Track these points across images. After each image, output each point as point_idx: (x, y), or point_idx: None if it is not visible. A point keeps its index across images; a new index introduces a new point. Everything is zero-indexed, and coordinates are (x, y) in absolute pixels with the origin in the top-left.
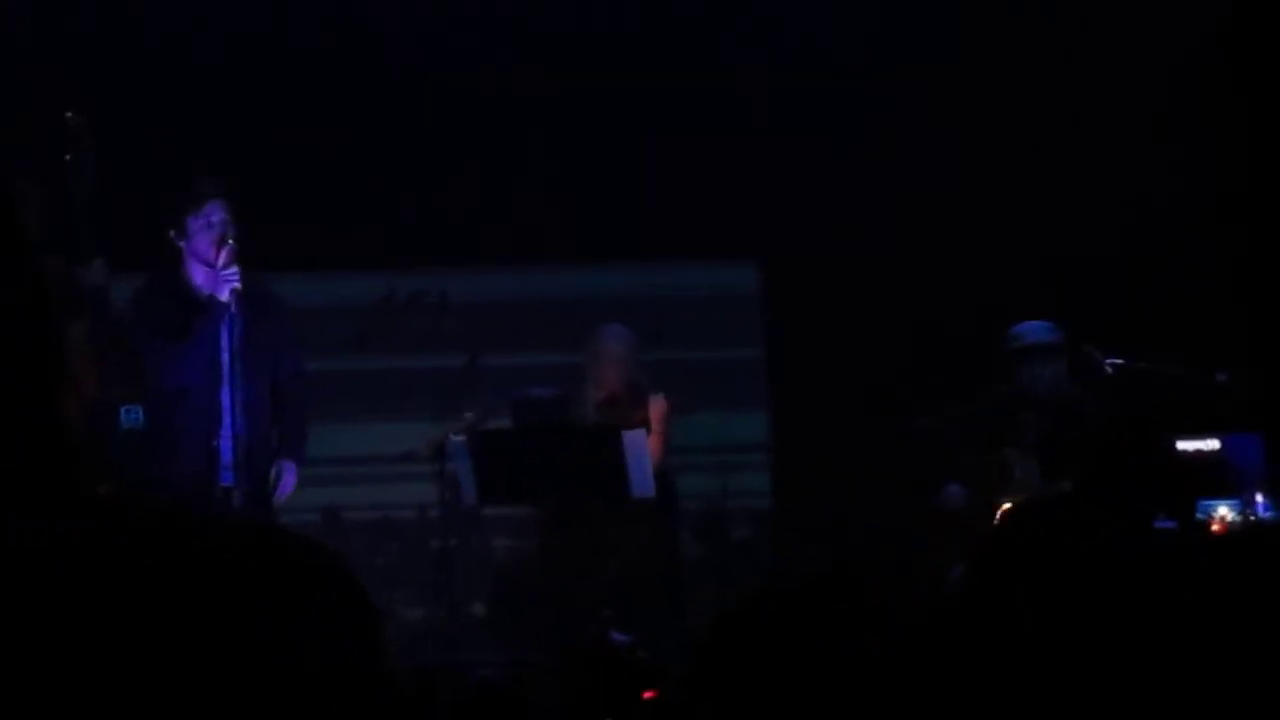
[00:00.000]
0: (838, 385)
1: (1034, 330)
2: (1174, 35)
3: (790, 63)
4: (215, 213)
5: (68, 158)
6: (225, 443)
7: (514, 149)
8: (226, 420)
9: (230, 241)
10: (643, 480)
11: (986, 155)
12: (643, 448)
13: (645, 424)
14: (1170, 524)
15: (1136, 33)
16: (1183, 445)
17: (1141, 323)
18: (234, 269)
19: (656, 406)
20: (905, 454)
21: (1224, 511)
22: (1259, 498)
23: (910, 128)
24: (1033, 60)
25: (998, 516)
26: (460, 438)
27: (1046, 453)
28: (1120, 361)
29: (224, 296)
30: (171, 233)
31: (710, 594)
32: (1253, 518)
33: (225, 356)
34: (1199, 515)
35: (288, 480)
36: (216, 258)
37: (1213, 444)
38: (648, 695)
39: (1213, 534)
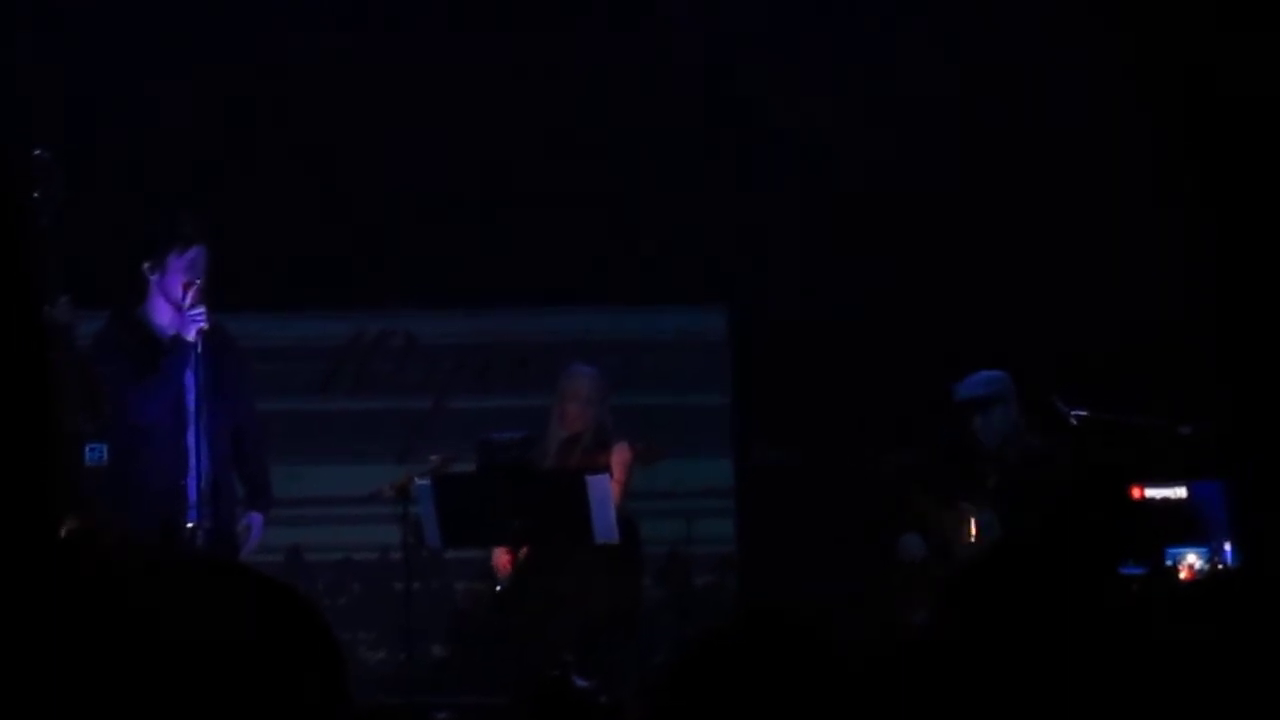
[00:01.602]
0: (803, 431)
1: (973, 384)
2: (1135, 90)
3: (760, 108)
4: (195, 253)
5: (35, 195)
6: (191, 482)
7: (483, 191)
8: (192, 461)
9: (198, 281)
10: (606, 525)
11: (955, 205)
12: (606, 493)
13: (605, 466)
14: (1138, 570)
15: (1100, 86)
16: (1150, 492)
17: (1107, 375)
18: (201, 309)
19: (619, 452)
20: (868, 501)
21: (1192, 559)
22: (1226, 545)
23: (879, 174)
24: (1001, 107)
25: (962, 564)
26: (425, 480)
27: (1005, 505)
28: (1085, 413)
29: (190, 336)
30: (146, 265)
31: (672, 639)
32: (1220, 565)
33: (191, 396)
34: (1167, 561)
35: (255, 533)
36: (184, 296)
37: (1179, 492)
38: None
39: (1181, 580)
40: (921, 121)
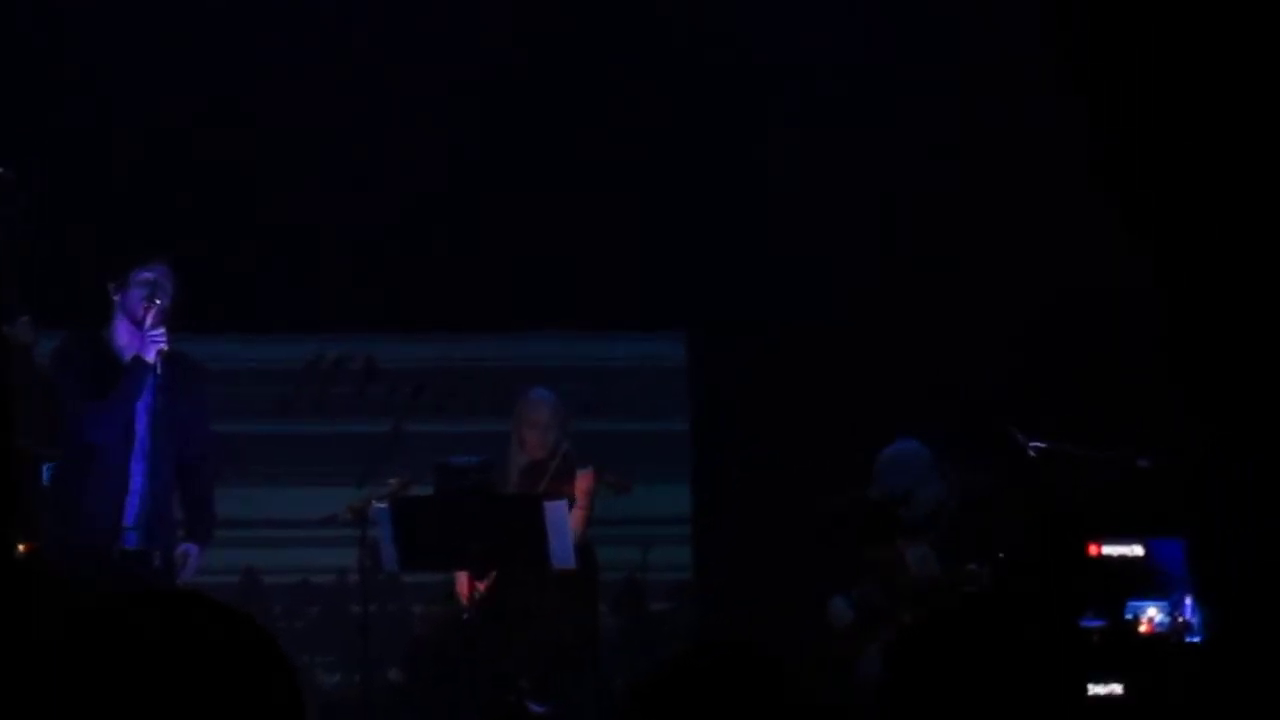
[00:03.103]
0: (761, 460)
1: (891, 472)
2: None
3: (722, 134)
4: (158, 273)
5: None
6: (132, 507)
7: (443, 215)
8: (135, 484)
9: (159, 302)
10: (563, 551)
11: (914, 231)
12: (564, 518)
13: (570, 494)
14: (1098, 623)
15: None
16: (1107, 549)
17: (1066, 408)
18: (160, 330)
19: (584, 479)
20: (821, 533)
21: (1153, 612)
22: (1186, 600)
23: (839, 202)
24: (959, 136)
25: (914, 613)
26: (383, 504)
27: (947, 548)
28: (1042, 445)
29: (150, 357)
30: (111, 284)
31: (628, 666)
32: (1181, 619)
33: (142, 419)
34: (1127, 615)
35: (191, 562)
36: (145, 316)
37: (1136, 549)
38: None
39: (1140, 634)
40: (878, 158)
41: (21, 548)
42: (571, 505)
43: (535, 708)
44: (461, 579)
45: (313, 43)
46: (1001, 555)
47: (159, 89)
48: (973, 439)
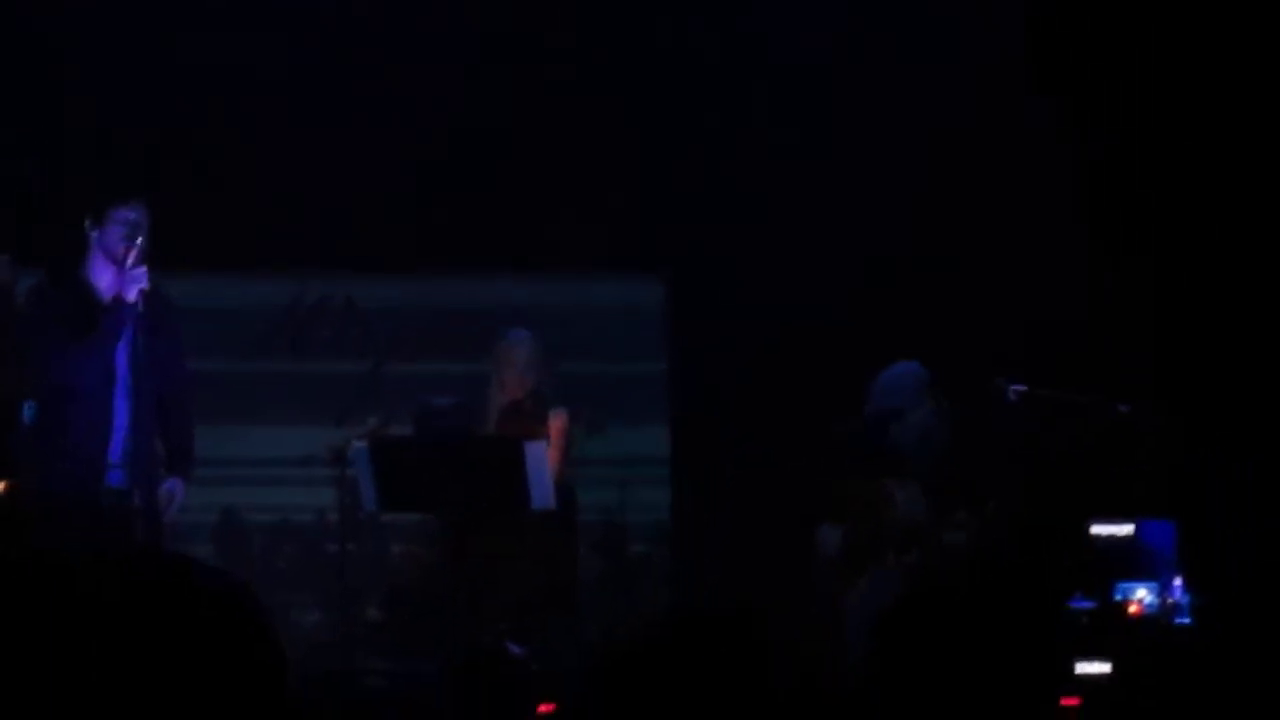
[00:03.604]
0: (741, 401)
1: (887, 392)
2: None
3: (703, 73)
4: (135, 210)
5: None
6: (116, 444)
7: (424, 156)
8: (119, 421)
9: (139, 240)
10: (543, 492)
11: (896, 170)
12: (543, 459)
13: (545, 434)
14: (1088, 604)
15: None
16: (1096, 530)
17: (1051, 355)
18: (142, 269)
19: (557, 420)
20: (801, 472)
21: (1142, 593)
22: (1176, 581)
23: (819, 140)
24: (953, 98)
25: (905, 596)
26: (362, 443)
27: (935, 488)
28: (1024, 388)
29: (131, 297)
30: (88, 220)
31: (608, 608)
32: (1170, 600)
33: (122, 358)
34: (1117, 596)
35: (177, 498)
36: (125, 255)
37: (1127, 529)
38: (545, 709)
39: (1129, 615)
40: (869, 97)
41: (1, 486)
42: (547, 445)
43: (514, 649)
44: None
45: None
46: (991, 505)
47: (141, 22)
48: (955, 382)
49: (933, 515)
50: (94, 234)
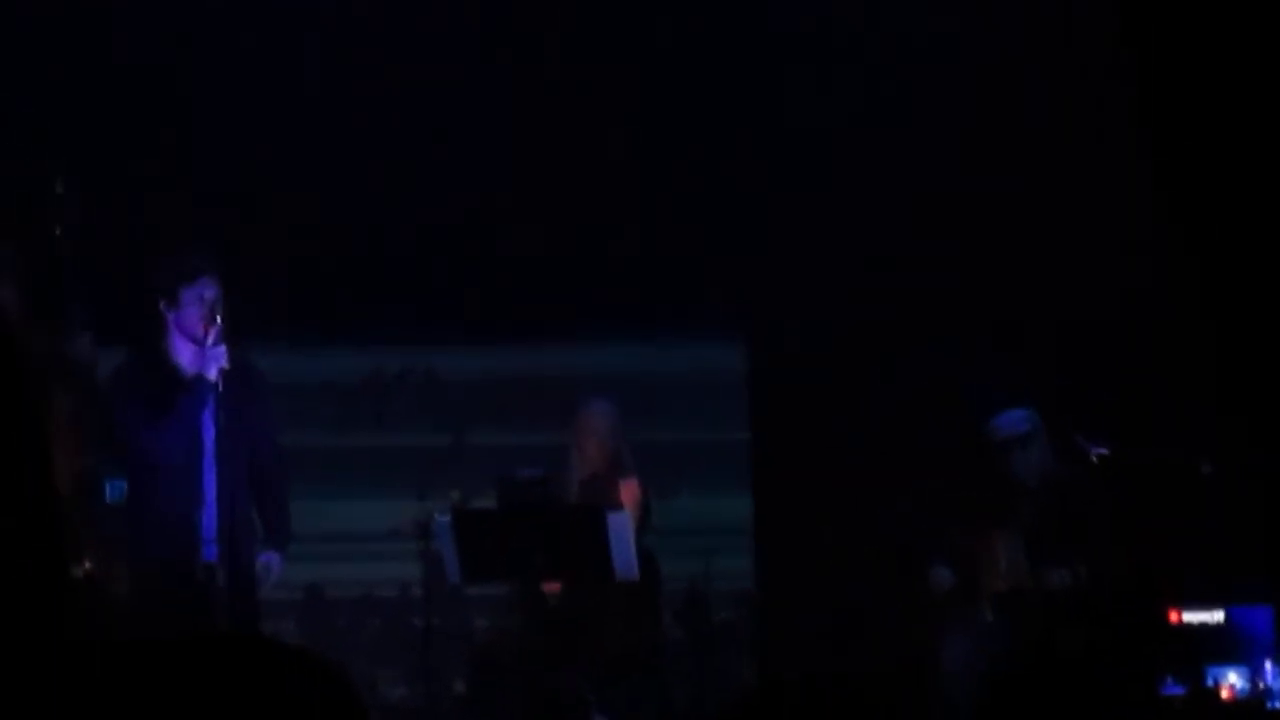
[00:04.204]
0: (823, 468)
1: (1013, 421)
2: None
3: (784, 139)
4: (209, 287)
5: (57, 230)
6: (208, 519)
7: (503, 225)
8: (209, 496)
9: (219, 319)
10: (626, 562)
11: (977, 242)
12: (626, 529)
13: (618, 502)
14: (1179, 690)
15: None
16: (1187, 616)
17: (1130, 413)
18: (222, 347)
19: (628, 489)
20: (889, 536)
21: (1233, 678)
22: (1268, 664)
23: (901, 211)
24: (1022, 148)
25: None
26: (445, 516)
27: (1037, 539)
28: (1105, 451)
29: (211, 375)
30: (162, 302)
31: (692, 676)
32: (1262, 685)
33: (209, 434)
34: (1208, 681)
35: (274, 571)
36: (205, 334)
37: (1217, 615)
38: None
39: (1222, 700)
40: (946, 160)
41: (85, 567)
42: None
43: (599, 719)
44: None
45: (372, 57)
46: (1084, 567)
47: (222, 104)
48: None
49: (1032, 570)
50: (170, 314)
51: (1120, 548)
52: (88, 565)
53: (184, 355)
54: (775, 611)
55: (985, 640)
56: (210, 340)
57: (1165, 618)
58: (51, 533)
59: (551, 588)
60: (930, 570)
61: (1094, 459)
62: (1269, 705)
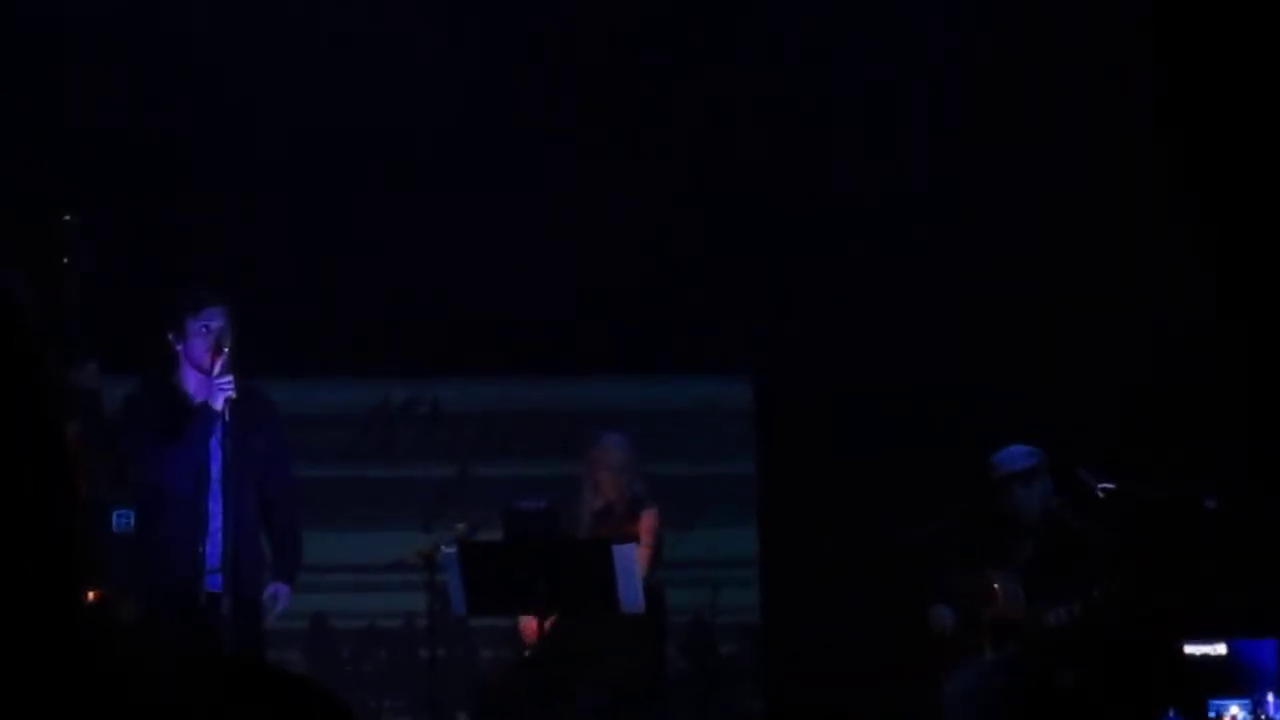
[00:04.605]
0: (829, 502)
1: (1016, 456)
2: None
3: (788, 178)
4: (215, 318)
5: (64, 260)
6: (213, 548)
7: (509, 257)
8: (214, 525)
9: (225, 349)
10: (632, 595)
11: (980, 276)
12: (632, 562)
13: (635, 534)
14: None
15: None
16: (1190, 649)
17: (1135, 449)
18: (229, 377)
19: (648, 518)
20: (893, 571)
21: (1235, 710)
22: (1270, 697)
23: (904, 245)
24: (1031, 179)
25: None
26: (450, 548)
27: (1036, 576)
28: (1111, 486)
29: (218, 405)
30: (170, 334)
31: (696, 709)
32: (1264, 717)
33: (215, 463)
34: (1210, 714)
35: (281, 602)
36: (212, 364)
37: (1220, 649)
38: None
39: None
40: (951, 199)
41: (90, 595)
42: (637, 545)
43: None
44: (526, 620)
45: (387, 86)
46: (1096, 593)
47: (222, 131)
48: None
49: (1033, 603)
50: (178, 346)
51: (1122, 581)
52: (95, 595)
53: (190, 383)
54: (780, 644)
55: (986, 676)
56: (217, 370)
57: (1169, 650)
58: (74, 550)
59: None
60: (930, 609)
61: (1099, 494)
62: None
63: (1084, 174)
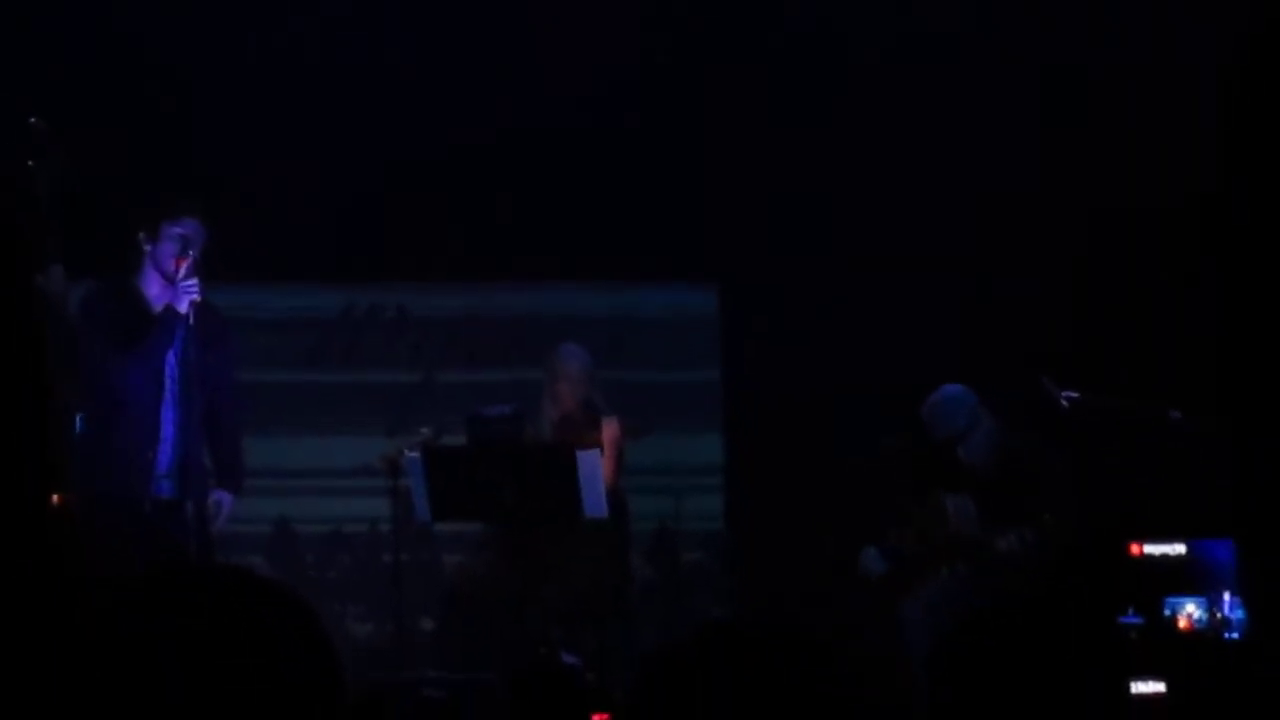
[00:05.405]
0: (794, 409)
1: (947, 415)
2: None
3: (759, 81)
4: (189, 227)
5: (30, 163)
6: (164, 455)
7: (476, 165)
8: (167, 432)
9: (191, 253)
10: (595, 501)
11: (949, 179)
12: (596, 468)
13: (597, 442)
14: (1136, 619)
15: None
16: (1149, 549)
17: (1102, 359)
18: (194, 280)
19: (609, 429)
20: (855, 481)
21: (1191, 609)
22: (1226, 596)
23: (872, 150)
24: (1001, 86)
25: (963, 616)
26: (415, 453)
27: (986, 500)
28: (1075, 395)
29: (183, 308)
30: (142, 234)
31: (661, 616)
32: (1220, 616)
33: (171, 369)
34: (1165, 612)
35: (224, 510)
36: (177, 270)
37: (1178, 548)
38: (598, 718)
39: (1179, 630)
40: (923, 95)
41: (54, 499)
42: (600, 454)
43: (567, 658)
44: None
45: None
46: (1047, 517)
47: (194, 38)
48: (1009, 391)
49: (985, 525)
50: (147, 247)
51: (1076, 502)
52: (60, 498)
53: (154, 287)
54: (744, 553)
55: (939, 594)
56: (181, 274)
57: (1124, 554)
58: (45, 459)
59: None
60: (861, 554)
61: (1064, 403)
62: (1225, 636)
63: None
